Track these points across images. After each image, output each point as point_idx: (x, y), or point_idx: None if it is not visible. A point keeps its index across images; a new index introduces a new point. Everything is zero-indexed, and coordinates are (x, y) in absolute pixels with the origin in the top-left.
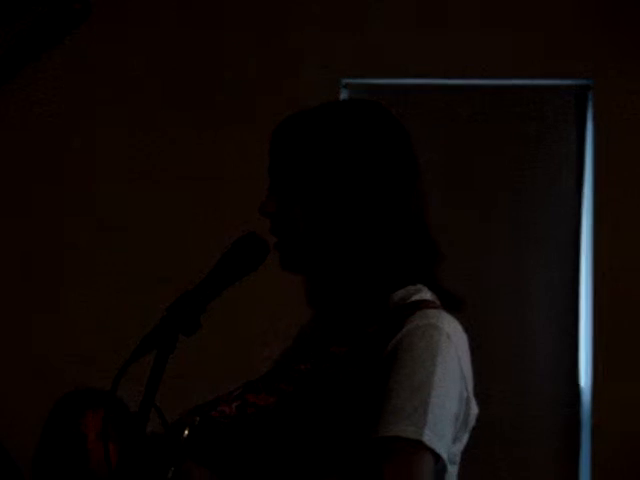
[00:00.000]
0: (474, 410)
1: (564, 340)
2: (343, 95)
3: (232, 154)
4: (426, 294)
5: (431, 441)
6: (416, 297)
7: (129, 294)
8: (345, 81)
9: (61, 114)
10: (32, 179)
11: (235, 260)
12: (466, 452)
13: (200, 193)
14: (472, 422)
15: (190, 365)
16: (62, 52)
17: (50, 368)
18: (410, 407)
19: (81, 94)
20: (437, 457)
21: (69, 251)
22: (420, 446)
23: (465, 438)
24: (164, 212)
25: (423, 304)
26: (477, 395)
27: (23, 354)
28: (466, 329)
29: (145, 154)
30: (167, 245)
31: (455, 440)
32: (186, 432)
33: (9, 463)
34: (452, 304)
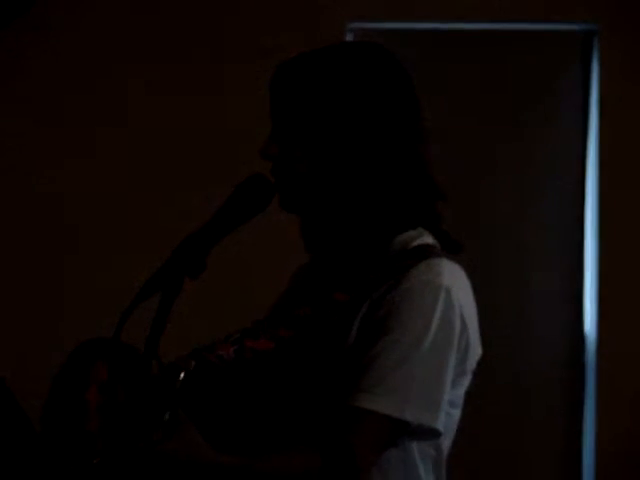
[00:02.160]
0: (475, 355)
1: (569, 289)
2: (349, 39)
3: (234, 97)
4: (428, 238)
5: (416, 417)
6: (417, 242)
7: None
8: (350, 25)
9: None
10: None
11: (241, 201)
12: (468, 403)
13: (202, 142)
14: (473, 366)
15: (192, 308)
16: None
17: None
18: (394, 381)
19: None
20: (406, 424)
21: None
22: (396, 421)
23: (467, 380)
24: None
25: (425, 252)
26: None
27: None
28: (468, 276)
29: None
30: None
31: (456, 386)
32: (182, 376)
33: (17, 410)
34: (453, 248)
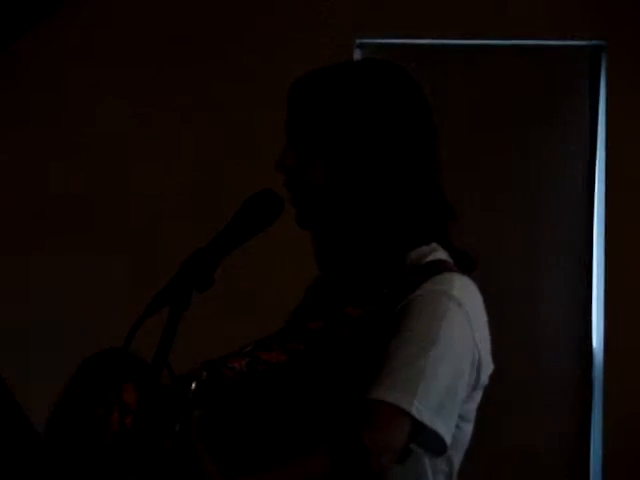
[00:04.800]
0: (487, 370)
1: (577, 300)
2: (357, 55)
3: (245, 112)
4: (441, 254)
5: (420, 414)
6: (431, 257)
7: None
8: (359, 41)
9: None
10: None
11: (250, 216)
12: (478, 415)
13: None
14: (485, 381)
15: (201, 322)
16: None
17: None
18: (404, 375)
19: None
20: (418, 423)
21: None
22: (403, 413)
23: (478, 396)
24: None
25: (439, 266)
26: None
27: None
28: (479, 289)
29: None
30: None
31: (467, 400)
32: (193, 386)
33: (17, 410)
34: (466, 264)
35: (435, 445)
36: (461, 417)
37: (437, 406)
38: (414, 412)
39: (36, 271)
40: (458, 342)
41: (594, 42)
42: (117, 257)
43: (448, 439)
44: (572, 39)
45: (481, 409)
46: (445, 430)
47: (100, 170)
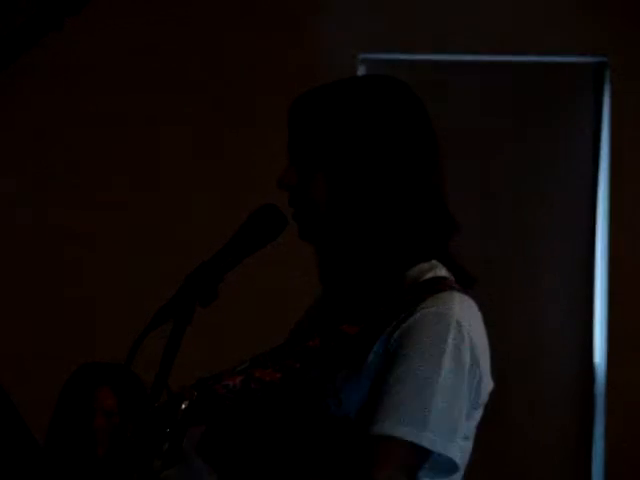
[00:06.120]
0: (487, 388)
1: (579, 316)
2: (360, 71)
3: (248, 129)
4: (440, 271)
5: (433, 444)
6: (430, 275)
7: None
8: (362, 57)
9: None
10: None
11: (253, 230)
12: (478, 434)
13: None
14: (485, 399)
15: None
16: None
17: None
18: (411, 408)
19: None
20: (427, 452)
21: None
22: (417, 448)
23: (478, 414)
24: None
25: (438, 284)
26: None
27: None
28: (480, 306)
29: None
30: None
31: (468, 418)
32: (183, 406)
33: (24, 431)
34: (466, 281)
35: (446, 466)
36: (462, 435)
37: (448, 432)
38: (427, 444)
39: None
40: (460, 365)
41: (597, 58)
42: None
43: (459, 460)
44: (575, 55)
45: (482, 424)
46: (457, 453)
47: None
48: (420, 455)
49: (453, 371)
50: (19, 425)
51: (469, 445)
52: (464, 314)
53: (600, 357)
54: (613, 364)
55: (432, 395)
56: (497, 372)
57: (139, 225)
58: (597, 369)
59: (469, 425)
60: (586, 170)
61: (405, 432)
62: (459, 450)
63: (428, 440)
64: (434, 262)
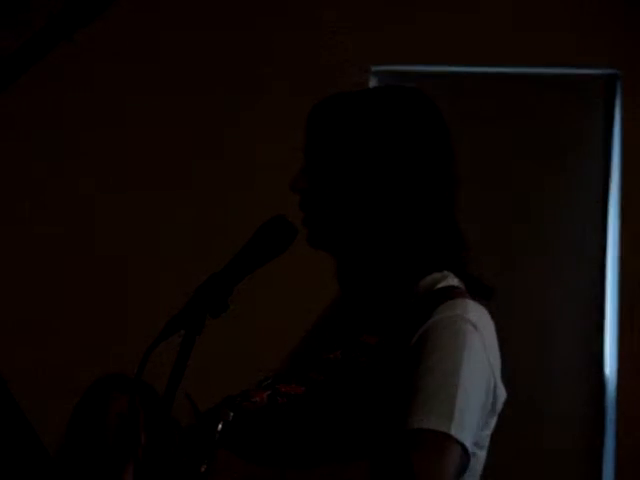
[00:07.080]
0: (502, 396)
1: (589, 327)
2: (372, 82)
3: (263, 140)
4: (453, 280)
5: (458, 434)
6: (443, 284)
7: None
8: (375, 68)
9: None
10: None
11: (263, 242)
12: (492, 440)
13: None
14: (500, 407)
15: (215, 350)
16: None
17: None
18: (437, 401)
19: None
20: (464, 448)
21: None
22: (448, 438)
23: (493, 422)
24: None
25: (451, 293)
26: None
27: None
28: (492, 316)
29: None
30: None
31: (483, 426)
32: (219, 427)
33: (35, 442)
34: (480, 292)
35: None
36: (476, 444)
37: (469, 427)
38: (457, 435)
39: None
40: (479, 366)
41: (609, 71)
42: None
43: (470, 449)
44: (587, 67)
45: (493, 435)
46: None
47: None
48: (452, 446)
49: (474, 371)
50: (27, 433)
51: (483, 454)
52: (479, 319)
53: (611, 369)
54: (624, 376)
55: (456, 390)
56: (506, 383)
57: (139, 225)
58: (608, 381)
59: (484, 433)
60: (596, 184)
61: (437, 423)
62: (471, 442)
63: (455, 431)
64: (446, 272)
